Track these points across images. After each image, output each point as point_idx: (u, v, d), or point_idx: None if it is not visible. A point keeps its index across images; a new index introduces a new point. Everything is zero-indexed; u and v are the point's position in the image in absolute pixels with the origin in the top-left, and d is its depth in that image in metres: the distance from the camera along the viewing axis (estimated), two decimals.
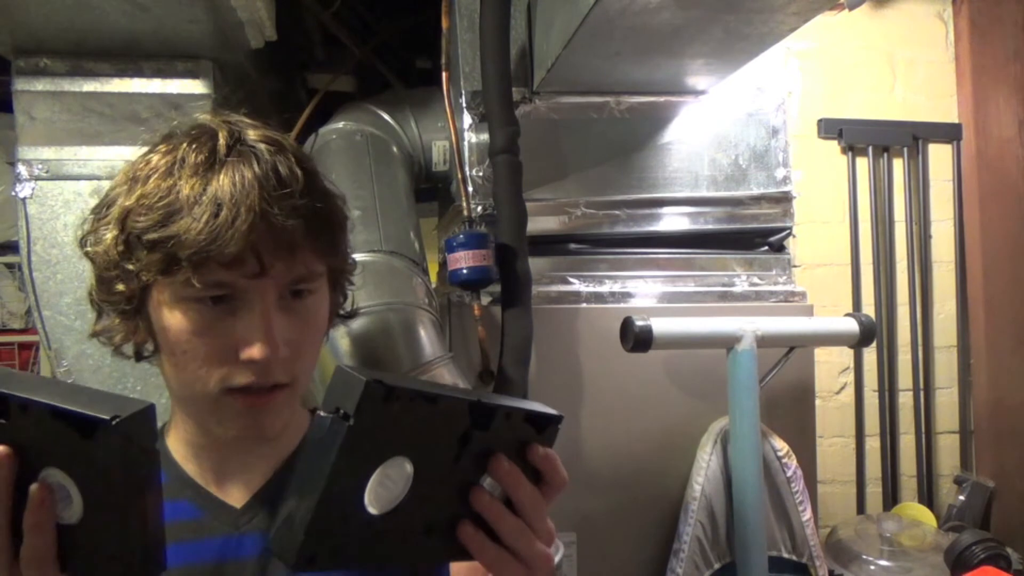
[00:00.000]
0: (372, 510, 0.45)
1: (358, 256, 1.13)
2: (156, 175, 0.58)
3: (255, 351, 0.57)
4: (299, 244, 0.58)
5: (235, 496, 0.67)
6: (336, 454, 0.42)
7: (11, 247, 2.44)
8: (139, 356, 0.67)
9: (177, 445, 0.68)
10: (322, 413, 0.44)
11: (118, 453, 0.42)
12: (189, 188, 0.56)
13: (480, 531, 0.50)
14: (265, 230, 0.55)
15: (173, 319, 0.59)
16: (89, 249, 0.62)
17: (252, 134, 0.60)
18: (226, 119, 0.62)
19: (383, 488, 0.45)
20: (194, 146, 0.58)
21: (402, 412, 0.44)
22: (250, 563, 0.64)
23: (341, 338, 1.02)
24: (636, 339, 1.27)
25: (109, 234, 0.59)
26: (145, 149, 0.62)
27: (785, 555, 1.39)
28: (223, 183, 0.55)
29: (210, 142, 0.58)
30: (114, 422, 0.41)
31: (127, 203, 0.58)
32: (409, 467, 0.46)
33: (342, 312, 0.74)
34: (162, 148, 0.60)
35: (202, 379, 0.59)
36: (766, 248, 1.58)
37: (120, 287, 0.60)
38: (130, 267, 0.58)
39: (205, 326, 0.58)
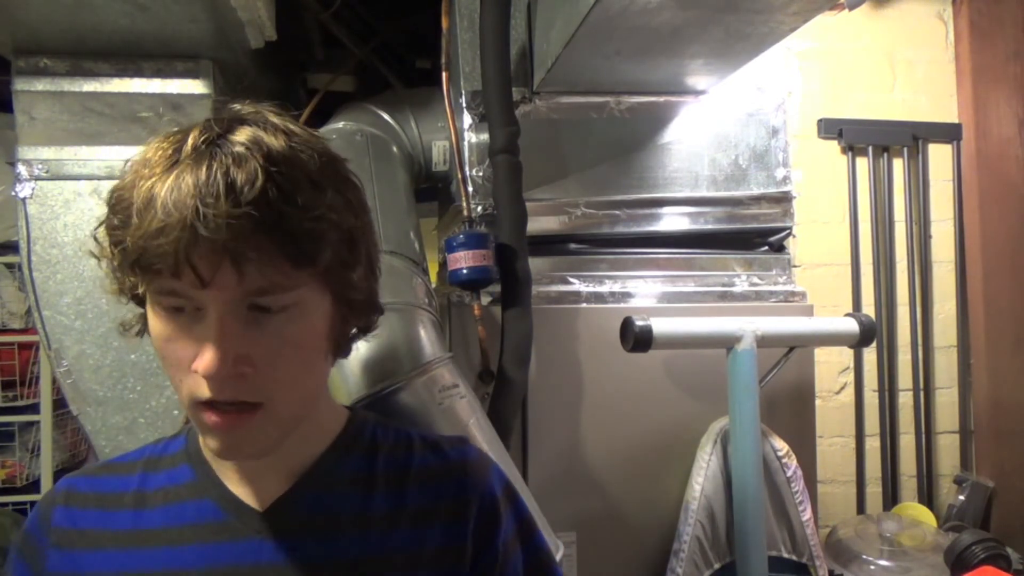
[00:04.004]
0: None
1: None
2: (129, 172, 0.57)
3: (200, 364, 0.54)
4: (246, 255, 0.53)
5: (259, 499, 0.66)
6: None
7: (11, 247, 2.44)
8: None
9: None
10: None
11: None
12: (141, 191, 0.54)
13: None
14: (198, 240, 0.52)
15: (152, 323, 0.58)
16: (93, 247, 0.61)
17: (240, 134, 0.56)
18: (229, 116, 0.59)
19: None
20: (164, 145, 0.56)
21: None
22: (268, 569, 0.63)
23: None
24: (636, 339, 1.27)
25: (101, 230, 0.59)
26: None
27: (785, 555, 1.39)
28: (167, 187, 0.53)
29: (179, 142, 0.56)
30: None
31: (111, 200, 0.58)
32: None
33: (359, 327, 0.68)
34: (146, 145, 0.59)
35: (178, 387, 0.58)
36: (766, 248, 1.58)
37: (114, 286, 0.60)
38: (116, 263, 0.58)
39: (174, 333, 0.57)
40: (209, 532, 0.64)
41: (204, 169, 0.53)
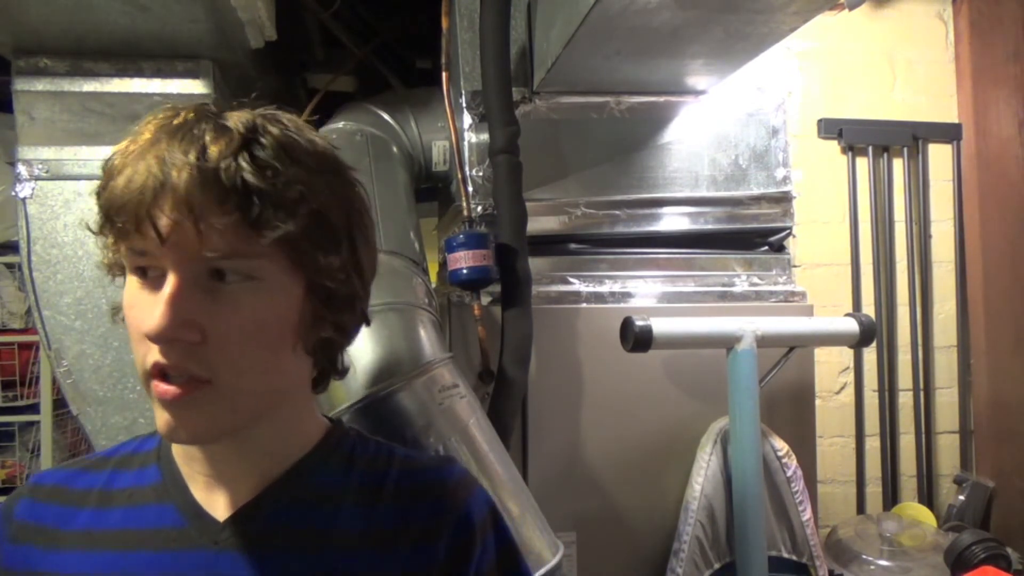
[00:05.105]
0: None
1: None
2: (123, 141, 0.58)
3: (145, 324, 0.54)
4: (206, 214, 0.53)
5: (221, 506, 0.63)
6: None
7: (11, 247, 2.44)
8: None
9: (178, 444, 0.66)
10: None
11: None
12: (127, 155, 0.56)
13: None
14: (161, 193, 0.53)
15: (124, 292, 0.59)
16: (91, 222, 0.61)
17: (235, 116, 0.57)
18: (236, 106, 0.60)
19: None
20: (159, 116, 0.58)
21: None
22: None
23: None
24: (636, 339, 1.27)
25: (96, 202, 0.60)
26: None
27: (785, 555, 1.39)
28: (146, 148, 0.55)
29: (172, 116, 0.57)
30: None
31: None
32: None
33: (334, 327, 0.63)
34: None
35: (136, 360, 0.57)
36: (766, 248, 1.58)
37: (107, 258, 0.60)
38: (98, 229, 0.58)
39: (137, 299, 0.57)
40: (166, 539, 0.62)
41: (182, 133, 0.55)
